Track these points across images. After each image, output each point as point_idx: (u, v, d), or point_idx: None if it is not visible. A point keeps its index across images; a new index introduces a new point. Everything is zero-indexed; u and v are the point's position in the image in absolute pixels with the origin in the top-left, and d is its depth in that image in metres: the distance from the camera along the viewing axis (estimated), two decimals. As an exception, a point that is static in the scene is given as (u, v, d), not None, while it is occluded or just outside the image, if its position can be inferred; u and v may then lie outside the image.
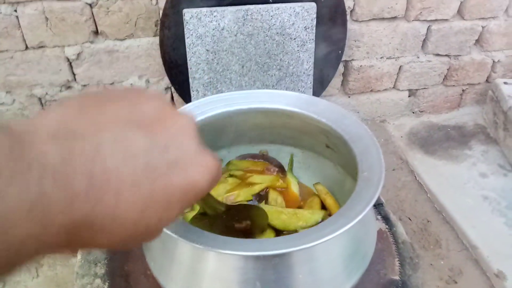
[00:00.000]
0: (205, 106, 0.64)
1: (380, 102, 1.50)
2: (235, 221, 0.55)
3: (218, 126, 0.66)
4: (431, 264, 1.03)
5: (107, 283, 0.52)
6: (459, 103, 1.59)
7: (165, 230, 0.41)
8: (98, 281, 0.52)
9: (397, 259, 0.63)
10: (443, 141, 1.44)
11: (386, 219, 0.70)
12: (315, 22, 1.14)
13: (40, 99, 1.21)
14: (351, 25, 1.28)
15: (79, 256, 0.59)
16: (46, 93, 1.20)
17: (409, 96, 1.52)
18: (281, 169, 0.68)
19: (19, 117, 1.21)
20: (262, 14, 1.10)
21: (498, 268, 1.01)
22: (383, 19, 1.30)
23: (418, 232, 1.11)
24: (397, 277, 0.60)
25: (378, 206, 0.74)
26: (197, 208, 0.56)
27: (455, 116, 1.57)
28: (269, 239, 0.48)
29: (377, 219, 0.70)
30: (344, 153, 0.57)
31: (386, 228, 0.68)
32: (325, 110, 0.61)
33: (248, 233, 0.56)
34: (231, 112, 0.64)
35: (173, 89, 1.24)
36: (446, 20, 1.36)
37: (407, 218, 1.15)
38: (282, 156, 0.72)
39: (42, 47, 1.12)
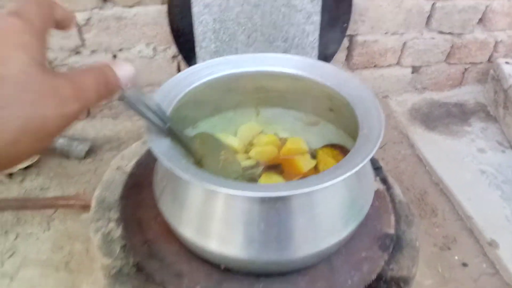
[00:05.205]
0: (212, 68, 0.65)
1: (383, 77, 1.51)
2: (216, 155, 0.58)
3: (224, 88, 0.67)
4: (427, 232, 1.06)
5: (120, 226, 0.55)
6: (461, 81, 1.61)
7: (176, 172, 0.44)
8: (112, 224, 0.56)
9: (393, 215, 0.66)
10: (443, 117, 1.47)
11: (384, 181, 0.73)
12: (321, -6, 1.15)
13: (50, 62, 1.23)
14: (356, -1, 1.29)
15: (93, 203, 0.61)
16: (56, 58, 1.22)
17: (412, 73, 1.54)
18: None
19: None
20: (269, -15, 1.11)
21: (491, 237, 1.04)
22: (388, -6, 1.31)
23: (416, 201, 1.14)
24: (392, 231, 0.63)
25: (377, 169, 0.77)
26: None
27: (457, 94, 1.59)
28: (274, 184, 0.50)
29: (375, 180, 0.73)
30: (346, 116, 0.59)
31: (384, 188, 0.72)
32: (329, 73, 0.62)
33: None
34: (237, 74, 0.64)
35: (180, 57, 1.26)
36: (451, -3, 1.37)
37: (405, 189, 1.18)
38: (286, 119, 0.74)
39: (52, 12, 1.13)
